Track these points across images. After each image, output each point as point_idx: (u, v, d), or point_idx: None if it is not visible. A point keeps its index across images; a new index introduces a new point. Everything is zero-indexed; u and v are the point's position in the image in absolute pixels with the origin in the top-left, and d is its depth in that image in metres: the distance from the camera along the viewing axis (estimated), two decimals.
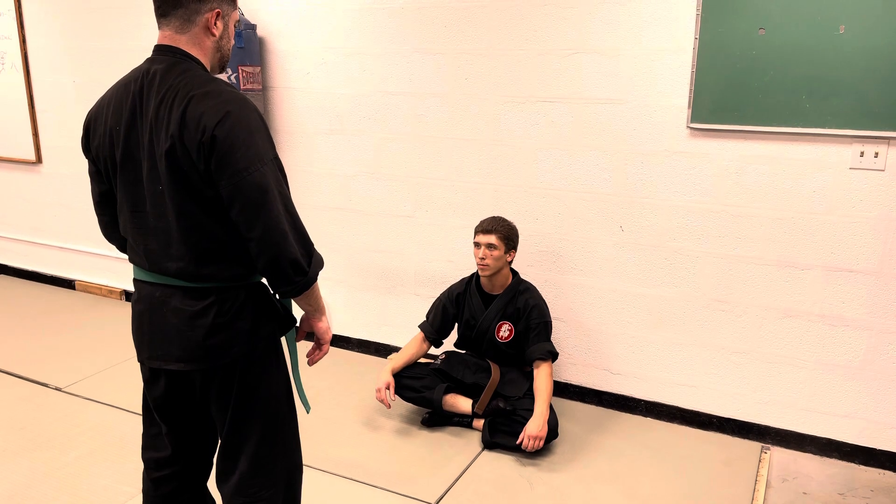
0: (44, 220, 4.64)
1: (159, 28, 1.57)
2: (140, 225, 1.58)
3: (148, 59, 1.57)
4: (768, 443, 2.87)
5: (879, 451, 2.71)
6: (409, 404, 3.01)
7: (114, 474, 2.59)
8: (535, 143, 3.05)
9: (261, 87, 3.53)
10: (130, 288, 4.39)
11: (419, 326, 3.06)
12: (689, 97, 2.72)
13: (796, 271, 2.72)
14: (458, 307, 3.01)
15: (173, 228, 1.52)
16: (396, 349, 3.58)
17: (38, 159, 4.51)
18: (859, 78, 2.46)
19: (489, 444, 2.79)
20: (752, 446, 2.86)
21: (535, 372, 2.82)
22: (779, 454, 2.81)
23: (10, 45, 4.35)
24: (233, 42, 1.67)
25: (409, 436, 2.87)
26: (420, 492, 2.51)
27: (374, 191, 3.46)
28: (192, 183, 1.47)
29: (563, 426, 2.93)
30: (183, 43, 1.55)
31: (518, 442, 2.67)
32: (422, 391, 2.90)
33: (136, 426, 2.93)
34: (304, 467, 2.63)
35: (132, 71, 1.59)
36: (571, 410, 3.09)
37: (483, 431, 2.81)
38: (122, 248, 1.79)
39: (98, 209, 1.75)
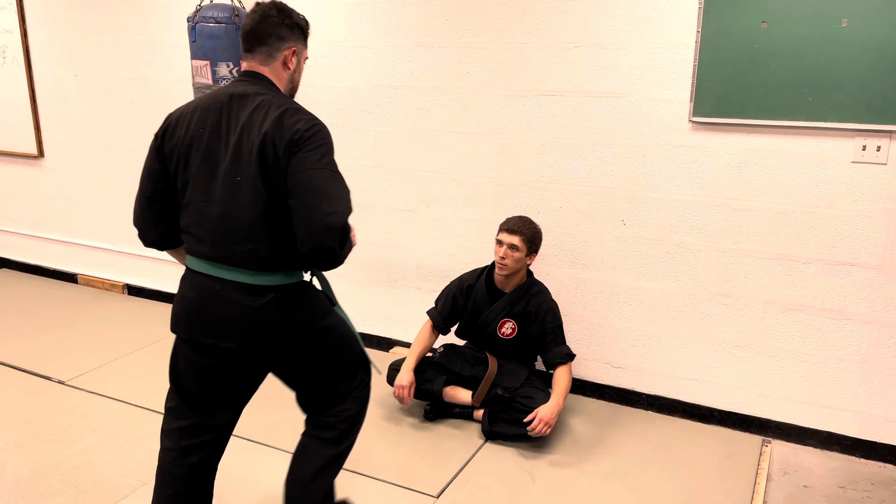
0: (46, 214, 4.65)
1: (244, 59, 1.90)
2: (208, 213, 1.78)
3: (237, 80, 1.88)
4: (769, 436, 2.88)
5: (880, 444, 2.72)
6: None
7: (118, 467, 2.60)
8: (537, 136, 3.05)
9: None
10: (132, 281, 4.41)
11: (427, 313, 3.05)
12: (691, 91, 2.72)
13: (798, 265, 2.72)
14: (466, 298, 3.00)
15: (244, 215, 1.75)
16: (397, 343, 3.59)
17: (40, 153, 4.51)
18: (862, 71, 2.46)
19: (489, 433, 2.80)
20: (753, 440, 2.86)
21: (556, 373, 2.82)
22: (780, 447, 2.81)
23: (12, 39, 4.35)
24: (302, 74, 1.99)
25: (410, 429, 2.88)
26: (422, 485, 2.52)
27: (376, 185, 3.46)
28: (271, 175, 1.72)
29: (565, 420, 2.94)
30: (266, 72, 1.88)
31: (526, 421, 2.66)
32: (422, 384, 2.91)
33: (139, 419, 2.94)
34: None
35: (221, 87, 1.93)
36: (573, 404, 3.10)
37: (483, 421, 2.82)
38: (155, 243, 1.98)
39: (145, 204, 1.93)
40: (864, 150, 2.53)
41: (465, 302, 2.99)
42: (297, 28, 1.90)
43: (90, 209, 4.44)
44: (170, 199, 1.90)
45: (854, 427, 2.75)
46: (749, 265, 2.79)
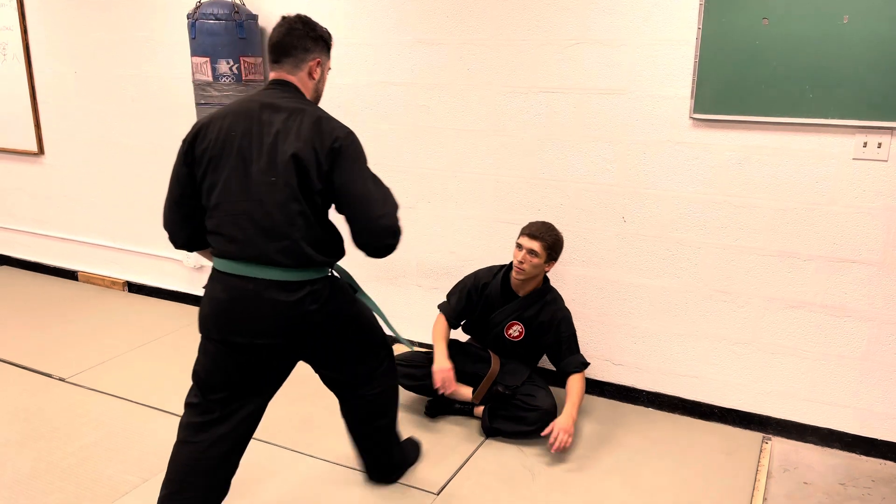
0: (46, 211, 4.65)
1: (272, 69, 2.03)
2: (242, 213, 1.87)
3: (266, 89, 1.99)
4: (770, 433, 2.88)
5: (881, 441, 2.72)
6: (410, 394, 3.02)
7: (118, 464, 2.61)
8: (537, 133, 3.05)
9: (262, 77, 3.52)
10: (132, 279, 4.41)
11: (439, 307, 3.01)
12: (692, 87, 2.71)
13: (799, 262, 2.72)
14: (480, 295, 2.95)
15: (279, 213, 1.85)
16: (398, 341, 3.58)
17: (41, 150, 4.51)
18: (863, 68, 2.45)
19: (489, 430, 2.80)
20: (754, 436, 2.87)
21: (569, 381, 2.81)
22: (780, 444, 2.81)
23: (12, 36, 4.34)
24: (325, 83, 2.12)
25: (410, 426, 2.88)
26: (423, 482, 2.52)
27: None
28: (310, 177, 1.85)
29: None
30: (294, 81, 2.00)
31: (544, 434, 2.64)
32: (423, 379, 2.91)
33: (140, 416, 2.94)
34: (309, 458, 2.66)
35: (252, 94, 2.01)
36: None
37: (483, 418, 2.82)
38: (184, 245, 2.08)
39: (174, 208, 2.03)
40: (864, 146, 2.53)
41: (479, 299, 2.96)
42: (321, 40, 2.04)
43: (91, 206, 4.44)
44: (196, 202, 1.99)
45: (854, 424, 2.75)
46: (750, 262, 2.79)
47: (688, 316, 2.94)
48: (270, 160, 1.86)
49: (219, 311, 1.94)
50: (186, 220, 2.03)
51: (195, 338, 3.72)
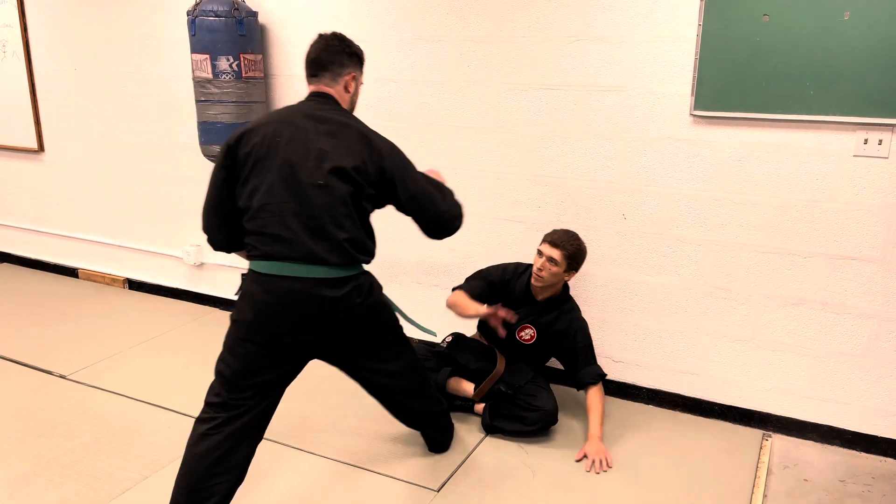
0: (46, 208, 4.65)
1: (310, 83, 2.18)
2: (290, 214, 1.96)
3: (307, 101, 2.14)
4: (770, 430, 2.88)
5: (881, 438, 2.72)
6: None
7: (119, 461, 2.61)
8: (538, 130, 3.04)
9: (262, 74, 3.52)
10: (133, 276, 4.41)
11: (454, 289, 2.93)
12: (693, 84, 2.71)
13: (799, 259, 2.71)
14: (503, 291, 2.90)
15: (328, 216, 1.97)
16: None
17: (41, 147, 4.51)
18: (864, 65, 2.45)
19: (489, 427, 2.80)
20: (754, 434, 2.87)
21: (589, 394, 2.80)
22: (780, 441, 2.82)
23: (12, 33, 4.34)
24: (359, 96, 2.28)
25: None
26: (423, 478, 2.52)
27: None
28: (358, 186, 2.01)
29: (565, 414, 2.94)
30: (332, 93, 2.15)
31: (578, 459, 2.64)
32: (432, 371, 2.89)
33: (140, 413, 2.95)
34: (308, 454, 2.66)
35: (292, 105, 2.15)
36: (573, 398, 3.10)
37: (483, 415, 2.82)
38: (223, 246, 2.19)
39: (212, 211, 2.14)
40: (865, 143, 2.53)
41: (500, 293, 2.89)
42: (356, 56, 2.20)
43: (91, 203, 4.44)
44: (233, 205, 2.08)
45: (854, 421, 2.75)
46: (750, 259, 2.79)
47: (688, 313, 2.94)
48: (318, 167, 1.98)
49: (264, 313, 2.00)
50: (224, 223, 2.13)
51: (196, 335, 3.75)
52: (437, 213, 2.18)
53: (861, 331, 2.68)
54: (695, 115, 2.75)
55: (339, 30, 3.35)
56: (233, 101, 3.39)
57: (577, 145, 2.98)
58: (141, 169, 4.17)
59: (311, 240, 1.97)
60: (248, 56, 3.39)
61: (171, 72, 3.87)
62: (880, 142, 2.50)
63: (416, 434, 2.76)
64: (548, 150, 3.05)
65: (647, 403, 3.10)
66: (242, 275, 2.10)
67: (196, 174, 3.97)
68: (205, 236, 2.23)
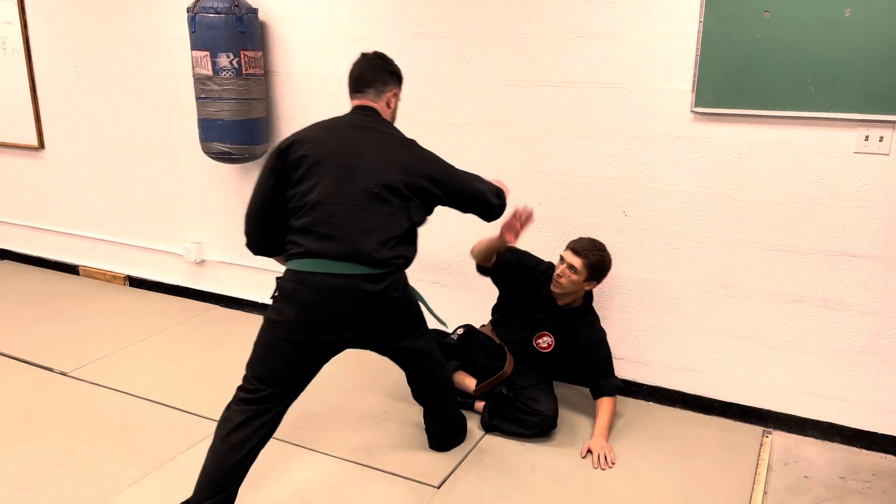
0: (47, 205, 4.65)
1: (354, 98, 2.34)
2: (342, 214, 2.09)
3: (353, 113, 2.31)
4: (770, 427, 2.88)
5: (881, 435, 2.72)
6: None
7: (120, 457, 2.61)
8: (538, 127, 3.04)
9: (262, 71, 3.52)
10: (134, 273, 4.41)
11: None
12: (693, 81, 2.71)
13: (800, 256, 2.71)
14: (527, 282, 2.85)
15: (377, 218, 2.11)
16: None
17: (41, 145, 4.50)
18: (865, 61, 2.44)
19: (488, 426, 2.80)
20: (754, 430, 2.87)
21: (603, 402, 2.80)
22: (780, 438, 2.82)
23: (12, 30, 4.34)
24: (398, 111, 2.44)
25: (412, 420, 2.88)
26: (424, 475, 2.52)
27: None
28: (405, 192, 2.17)
29: (566, 412, 2.94)
30: (376, 108, 2.31)
31: (583, 456, 2.65)
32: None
33: (141, 410, 2.95)
34: (310, 451, 2.66)
35: (339, 116, 2.31)
36: (573, 395, 3.10)
37: (483, 414, 2.82)
38: (264, 250, 2.33)
39: (260, 216, 2.27)
40: (866, 140, 2.52)
41: (523, 283, 2.86)
42: (396, 75, 2.37)
43: (91, 200, 4.44)
44: (279, 210, 2.21)
45: (855, 418, 2.75)
46: (750, 256, 2.79)
47: (688, 310, 2.94)
48: (369, 173, 2.13)
49: (308, 312, 2.09)
50: (270, 228, 2.26)
51: (196, 332, 3.75)
52: (490, 204, 2.40)
53: (862, 327, 2.68)
54: (695, 112, 2.74)
55: (339, 26, 3.38)
56: (233, 98, 3.39)
57: (577, 142, 2.98)
58: (141, 166, 4.17)
59: (356, 240, 2.08)
60: (248, 53, 3.39)
61: (172, 69, 3.87)
62: (881, 138, 2.50)
63: (416, 431, 2.77)
64: (548, 147, 3.04)
65: (648, 400, 3.10)
66: (278, 278, 2.18)
67: (196, 171, 3.97)
68: (245, 240, 2.36)
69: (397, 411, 2.96)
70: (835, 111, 2.52)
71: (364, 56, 2.36)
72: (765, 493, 2.45)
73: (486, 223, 2.57)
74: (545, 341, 2.86)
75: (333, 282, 2.08)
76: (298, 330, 2.11)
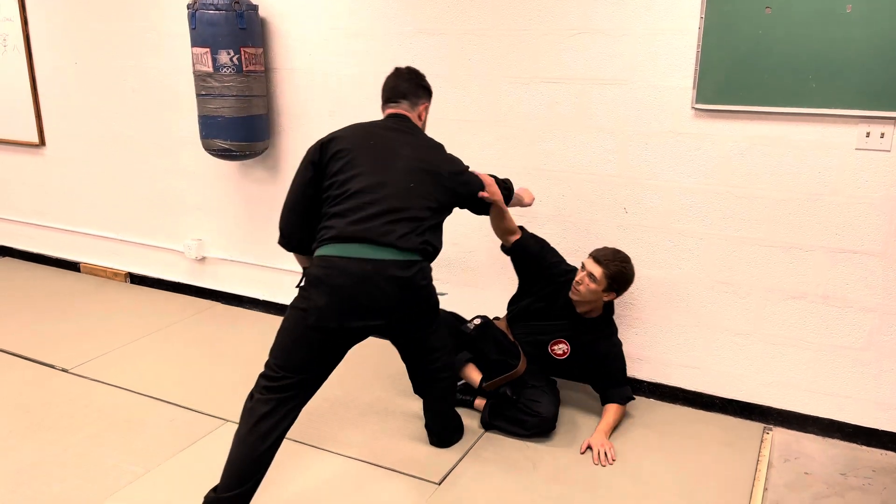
0: (48, 202, 4.65)
1: (388, 107, 2.49)
2: (377, 201, 2.18)
3: (390, 118, 2.46)
4: (770, 423, 2.89)
5: (882, 431, 2.72)
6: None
7: (121, 454, 2.62)
8: (539, 123, 3.04)
9: (263, 68, 3.51)
10: (135, 270, 4.42)
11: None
12: (694, 77, 2.70)
13: (801, 252, 2.71)
14: (543, 277, 2.83)
15: (412, 207, 2.21)
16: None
17: (42, 142, 4.50)
18: (866, 58, 2.44)
19: (487, 425, 2.80)
20: (755, 427, 2.87)
21: (611, 406, 2.80)
22: (781, 435, 2.82)
23: (12, 27, 4.33)
24: (427, 124, 2.62)
25: (412, 416, 2.89)
26: (424, 471, 2.53)
27: None
28: (436, 189, 2.31)
29: (568, 409, 2.94)
30: (410, 116, 2.48)
31: (582, 452, 2.66)
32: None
33: (142, 407, 2.95)
34: (311, 448, 2.67)
35: (375, 120, 2.46)
36: (574, 392, 3.11)
37: (483, 412, 2.82)
38: (297, 246, 2.40)
39: (296, 209, 2.35)
40: (867, 136, 2.52)
41: (539, 277, 2.84)
42: (428, 90, 2.54)
43: (92, 197, 4.44)
44: (316, 204, 2.30)
45: (855, 414, 2.75)
46: (751, 253, 2.79)
47: (689, 307, 2.94)
48: (403, 169, 2.25)
49: (339, 297, 2.13)
50: (306, 222, 2.33)
51: (197, 329, 3.75)
52: (485, 204, 2.58)
53: (862, 324, 2.68)
54: (696, 109, 2.74)
55: (340, 22, 3.37)
56: (233, 95, 3.38)
57: (578, 139, 2.98)
58: (142, 163, 4.17)
59: (388, 227, 2.16)
60: (248, 50, 3.39)
61: (172, 65, 3.87)
62: (882, 135, 2.50)
63: (417, 427, 2.77)
64: (549, 143, 3.04)
65: (648, 397, 3.10)
66: (305, 268, 2.23)
67: (197, 168, 3.97)
68: (279, 236, 2.42)
69: (397, 407, 2.96)
70: (836, 107, 2.52)
71: (398, 70, 2.52)
72: (765, 489, 2.46)
73: (471, 228, 2.71)
74: (561, 349, 2.84)
75: (364, 266, 2.13)
76: (328, 316, 2.13)
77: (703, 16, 2.63)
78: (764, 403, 2.89)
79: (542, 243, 2.88)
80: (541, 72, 2.98)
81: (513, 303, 3.01)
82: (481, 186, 2.52)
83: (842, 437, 2.78)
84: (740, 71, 2.62)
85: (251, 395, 2.19)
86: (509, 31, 3.00)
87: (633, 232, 2.97)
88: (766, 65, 2.57)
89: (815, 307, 2.73)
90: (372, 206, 2.18)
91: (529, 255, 2.84)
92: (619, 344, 2.86)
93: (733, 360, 2.91)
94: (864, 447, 2.73)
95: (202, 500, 2.19)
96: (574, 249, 3.08)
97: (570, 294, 2.74)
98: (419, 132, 2.47)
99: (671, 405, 3.04)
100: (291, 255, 2.53)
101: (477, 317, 2.93)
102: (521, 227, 2.84)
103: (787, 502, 2.39)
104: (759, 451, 2.69)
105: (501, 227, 2.78)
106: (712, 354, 2.95)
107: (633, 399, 2.87)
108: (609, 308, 2.83)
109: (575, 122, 2.97)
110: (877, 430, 2.73)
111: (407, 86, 2.48)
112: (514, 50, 3.01)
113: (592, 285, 2.65)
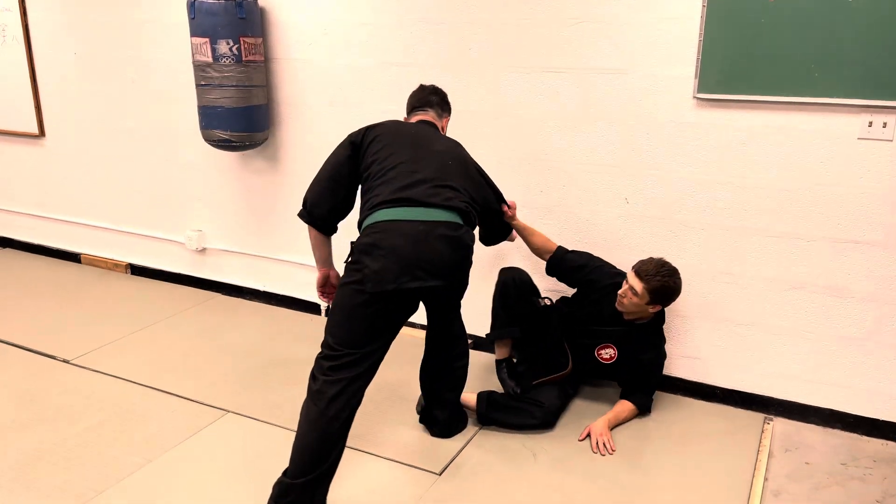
0: (48, 193, 4.65)
1: (415, 115, 2.63)
2: (420, 170, 2.29)
3: (418, 122, 2.58)
4: (771, 414, 2.89)
5: (883, 421, 2.72)
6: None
7: (122, 445, 2.62)
8: (540, 114, 3.03)
9: (262, 58, 3.50)
10: (135, 261, 4.42)
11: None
12: (696, 67, 2.69)
13: (802, 243, 2.70)
14: (587, 291, 2.85)
15: (450, 176, 2.33)
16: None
17: (41, 132, 4.49)
18: (869, 47, 2.42)
19: (486, 419, 2.75)
20: (756, 417, 2.87)
21: (626, 404, 2.80)
22: (782, 425, 2.82)
23: (11, 18, 4.31)
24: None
25: (413, 407, 2.89)
26: (425, 462, 2.53)
27: None
28: (465, 178, 2.41)
29: (575, 402, 2.94)
30: (436, 124, 2.63)
31: (581, 439, 2.67)
32: (501, 315, 2.89)
33: (144, 397, 2.96)
34: None
35: (409, 121, 2.62)
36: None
37: (479, 405, 2.75)
38: (322, 218, 2.43)
39: (327, 182, 2.41)
40: (870, 126, 2.51)
41: (582, 288, 2.88)
42: (450, 107, 2.73)
43: (92, 188, 4.44)
44: (346, 182, 2.41)
45: (857, 404, 2.75)
46: (753, 243, 2.78)
47: (691, 297, 2.93)
48: (441, 153, 2.38)
49: (395, 256, 2.14)
50: (334, 195, 2.40)
51: (198, 320, 3.76)
52: (497, 193, 2.71)
53: (864, 314, 2.67)
54: (698, 98, 2.72)
55: (339, 12, 3.36)
56: (233, 85, 3.37)
57: (579, 129, 2.97)
58: (142, 154, 4.16)
59: (433, 190, 2.25)
60: (248, 39, 3.37)
61: (171, 56, 3.85)
62: (885, 124, 2.48)
63: (418, 418, 2.77)
64: (550, 133, 3.03)
65: None
66: (352, 242, 2.24)
67: (197, 159, 3.96)
68: (301, 208, 2.44)
69: (398, 397, 2.96)
70: (838, 97, 2.50)
71: (423, 87, 2.70)
72: (766, 479, 2.46)
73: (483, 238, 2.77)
74: (608, 353, 2.82)
75: (416, 227, 2.18)
76: (386, 279, 2.13)
77: (706, 4, 2.61)
78: (765, 394, 2.89)
79: (577, 257, 2.88)
80: (542, 62, 2.97)
81: (566, 303, 2.99)
82: (502, 197, 2.67)
83: (843, 427, 2.78)
84: (742, 60, 2.60)
85: (313, 377, 2.16)
86: (510, 20, 2.98)
87: (634, 222, 2.96)
88: (768, 54, 2.56)
89: (817, 297, 2.73)
90: (415, 174, 2.27)
91: (571, 271, 2.87)
92: (664, 356, 2.83)
93: (735, 350, 2.91)
94: (865, 437, 2.74)
95: (273, 487, 2.17)
96: (576, 241, 3.08)
97: (616, 305, 2.73)
98: (446, 137, 2.58)
99: (672, 395, 3.04)
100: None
101: (547, 297, 3.00)
102: (559, 247, 2.90)
103: (788, 492, 2.40)
104: (760, 442, 2.70)
105: (533, 245, 2.90)
106: (714, 345, 2.95)
107: (650, 413, 2.85)
108: (659, 316, 2.81)
109: (576, 112, 2.95)
110: (877, 420, 2.73)
111: (435, 98, 2.66)
112: (515, 40, 3.00)
113: (635, 299, 2.64)
